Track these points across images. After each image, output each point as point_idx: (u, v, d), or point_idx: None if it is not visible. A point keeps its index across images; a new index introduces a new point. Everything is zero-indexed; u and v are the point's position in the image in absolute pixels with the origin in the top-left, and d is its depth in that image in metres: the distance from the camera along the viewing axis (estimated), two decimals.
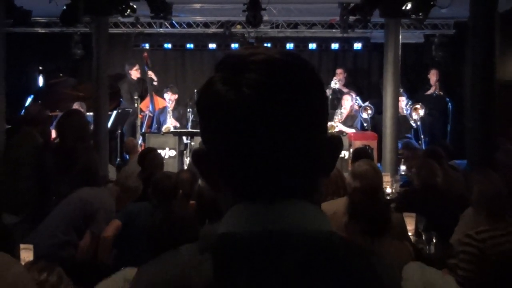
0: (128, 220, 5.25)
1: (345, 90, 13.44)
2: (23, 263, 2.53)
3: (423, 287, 3.33)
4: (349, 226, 3.87)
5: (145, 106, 12.94)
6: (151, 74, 13.06)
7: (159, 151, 8.86)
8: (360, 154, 7.67)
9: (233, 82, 1.05)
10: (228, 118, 1.04)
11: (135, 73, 13.18)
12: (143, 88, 13.06)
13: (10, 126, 9.49)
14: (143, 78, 13.14)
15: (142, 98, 12.85)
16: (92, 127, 9.80)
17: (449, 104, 13.57)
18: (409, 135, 12.46)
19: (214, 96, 1.06)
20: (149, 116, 12.94)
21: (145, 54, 13.28)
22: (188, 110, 12.53)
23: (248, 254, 1.02)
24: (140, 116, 12.63)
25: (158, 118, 12.67)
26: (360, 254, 1.06)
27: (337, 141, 1.12)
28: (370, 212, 3.83)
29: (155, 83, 13.17)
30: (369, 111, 12.74)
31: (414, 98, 13.26)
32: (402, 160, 10.11)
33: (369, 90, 14.89)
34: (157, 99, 12.99)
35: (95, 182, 5.78)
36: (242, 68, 1.06)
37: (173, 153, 11.71)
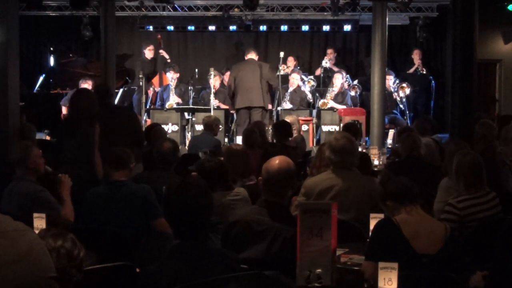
0: None
1: (335, 68, 13.41)
2: (36, 231, 2.52)
3: None
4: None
5: (156, 82, 12.90)
6: (163, 53, 13.07)
7: (162, 126, 8.85)
8: (349, 128, 7.66)
9: None
10: None
11: (149, 53, 13.39)
12: (154, 67, 13.13)
13: None
14: (155, 58, 13.20)
15: (149, 77, 12.84)
16: None
17: (432, 82, 13.54)
18: (395, 111, 12.46)
19: None
20: (154, 93, 12.90)
21: (159, 36, 13.27)
22: (189, 87, 12.48)
23: None
24: (149, 91, 12.62)
25: (161, 95, 12.61)
26: None
27: None
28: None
29: (168, 61, 13.23)
30: (357, 90, 12.77)
31: (399, 76, 13.24)
32: (388, 134, 10.11)
33: (357, 69, 14.90)
34: (164, 76, 12.94)
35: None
36: None
37: (175, 128, 11.68)
